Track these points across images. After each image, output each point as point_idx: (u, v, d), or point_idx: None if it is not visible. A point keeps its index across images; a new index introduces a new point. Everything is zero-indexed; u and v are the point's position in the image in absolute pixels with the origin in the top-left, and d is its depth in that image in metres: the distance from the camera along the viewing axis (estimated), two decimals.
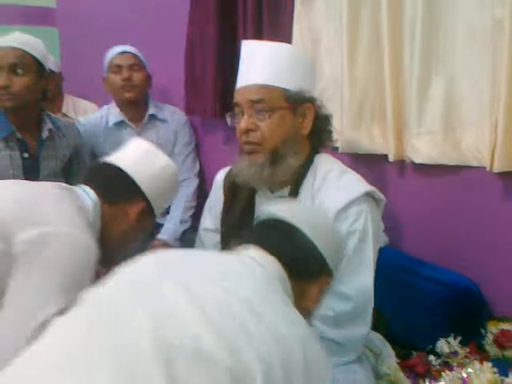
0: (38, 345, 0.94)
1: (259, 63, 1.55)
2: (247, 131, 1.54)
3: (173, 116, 2.83)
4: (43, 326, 1.16)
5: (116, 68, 2.67)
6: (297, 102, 1.55)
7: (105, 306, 0.98)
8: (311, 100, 1.58)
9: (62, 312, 1.17)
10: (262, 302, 0.98)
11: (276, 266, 1.11)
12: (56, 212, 1.35)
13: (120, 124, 2.73)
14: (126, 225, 1.51)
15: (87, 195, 1.46)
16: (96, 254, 1.35)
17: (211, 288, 0.98)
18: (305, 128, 1.58)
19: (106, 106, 2.81)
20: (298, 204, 1.36)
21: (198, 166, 2.88)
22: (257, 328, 0.92)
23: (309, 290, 1.17)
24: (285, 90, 1.54)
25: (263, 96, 1.52)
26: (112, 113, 2.75)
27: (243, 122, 1.54)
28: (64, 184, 1.50)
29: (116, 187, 1.49)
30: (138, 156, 1.54)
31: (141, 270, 1.07)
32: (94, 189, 1.47)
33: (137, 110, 2.74)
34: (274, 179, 1.57)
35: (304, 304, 1.15)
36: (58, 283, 1.27)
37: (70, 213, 1.37)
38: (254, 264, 1.09)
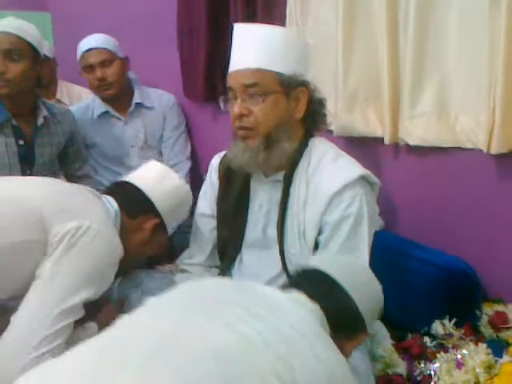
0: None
1: (252, 47, 1.54)
2: (241, 116, 1.53)
3: (160, 100, 2.77)
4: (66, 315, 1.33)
5: (87, 68, 2.58)
6: (290, 86, 1.54)
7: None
8: (305, 84, 1.57)
9: (85, 304, 1.36)
10: (313, 334, 1.05)
11: (319, 311, 1.14)
12: (89, 209, 1.47)
13: (105, 114, 2.69)
14: (141, 238, 1.61)
15: (110, 204, 1.55)
16: (121, 254, 1.47)
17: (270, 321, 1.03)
18: (298, 112, 1.57)
19: (92, 96, 2.75)
20: (343, 259, 1.38)
21: (189, 148, 2.85)
22: (310, 359, 0.99)
23: (344, 344, 1.19)
24: (278, 73, 1.53)
25: (256, 80, 1.52)
26: (96, 104, 2.70)
27: (236, 107, 1.53)
28: (90, 189, 1.60)
29: (133, 202, 1.60)
30: (152, 176, 1.66)
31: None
32: (115, 200, 1.57)
33: (121, 101, 2.68)
34: (268, 164, 1.57)
35: None
36: (85, 275, 1.37)
37: (100, 212, 1.48)
38: (305, 304, 1.13)
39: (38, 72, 2.12)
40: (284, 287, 1.22)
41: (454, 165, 1.87)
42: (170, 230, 1.76)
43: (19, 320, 1.32)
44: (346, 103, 2.05)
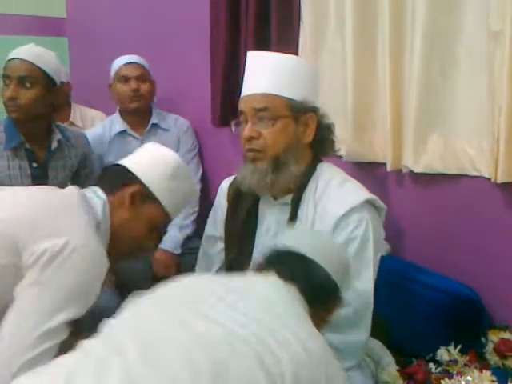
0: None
1: (264, 73, 1.58)
2: (250, 139, 1.57)
3: (175, 124, 2.87)
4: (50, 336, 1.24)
5: (123, 78, 2.72)
6: (300, 112, 1.58)
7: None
8: (314, 110, 1.60)
9: (69, 322, 1.27)
10: (293, 318, 1.08)
11: (295, 291, 1.17)
12: (69, 223, 1.37)
13: (123, 133, 2.78)
14: (125, 211, 1.50)
15: (96, 195, 1.49)
16: (107, 266, 1.38)
17: (247, 304, 1.07)
18: (307, 137, 1.61)
19: (109, 117, 2.87)
20: (311, 233, 1.41)
21: (200, 172, 2.92)
22: (289, 338, 1.00)
23: (323, 316, 1.24)
24: (288, 99, 1.57)
25: (267, 104, 1.56)
26: (115, 123, 2.79)
27: (247, 130, 1.57)
28: (72, 187, 1.53)
29: (111, 178, 1.55)
30: (139, 152, 1.62)
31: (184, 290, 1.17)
32: (101, 187, 1.52)
33: (140, 118, 2.79)
34: (276, 186, 1.60)
35: (317, 327, 1.19)
36: (65, 294, 1.29)
37: (82, 222, 1.39)
38: (282, 288, 1.16)
39: (53, 99, 2.16)
40: (258, 270, 1.26)
41: (459, 192, 1.89)
42: (173, 213, 1.59)
43: None
44: (354, 130, 2.10)
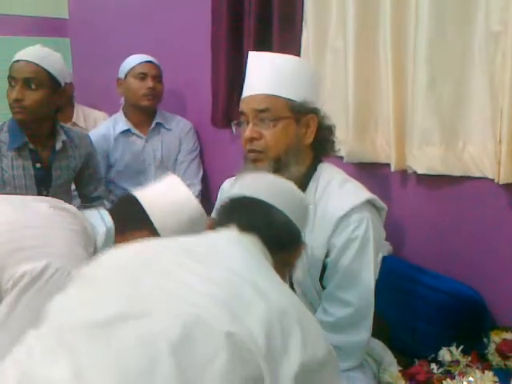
0: None
1: (265, 74, 1.58)
2: (252, 139, 1.57)
3: (178, 125, 2.92)
4: None
5: (141, 75, 2.75)
6: (301, 113, 1.58)
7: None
8: (315, 111, 1.60)
9: None
10: (255, 272, 1.04)
11: (257, 242, 1.15)
12: (53, 244, 1.30)
13: (126, 132, 2.81)
14: None
15: (102, 219, 1.45)
16: None
17: (209, 266, 1.02)
18: (308, 138, 1.61)
19: (112, 117, 2.89)
20: (265, 178, 1.33)
21: (201, 172, 2.96)
22: (254, 294, 0.97)
23: (287, 260, 1.23)
24: (289, 100, 1.57)
25: (268, 105, 1.56)
26: (118, 121, 2.82)
27: (248, 131, 1.57)
28: (61, 203, 1.46)
29: (125, 217, 1.46)
30: (161, 188, 1.51)
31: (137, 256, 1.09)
32: (111, 215, 1.46)
33: (146, 117, 2.83)
34: None
35: (282, 273, 1.17)
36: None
37: (64, 241, 1.31)
38: (242, 240, 1.13)
39: (58, 100, 2.16)
40: (218, 225, 1.21)
41: (463, 193, 1.89)
42: None
43: None
44: (356, 131, 2.10)
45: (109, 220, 1.45)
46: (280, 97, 1.56)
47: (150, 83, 2.74)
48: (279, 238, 1.19)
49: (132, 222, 1.45)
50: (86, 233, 1.39)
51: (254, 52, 1.70)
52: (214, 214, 1.70)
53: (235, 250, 1.10)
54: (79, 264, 1.21)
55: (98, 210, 1.50)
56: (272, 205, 1.21)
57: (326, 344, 0.99)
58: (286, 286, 1.09)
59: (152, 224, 1.43)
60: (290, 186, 1.31)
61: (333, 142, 1.66)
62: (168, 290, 0.98)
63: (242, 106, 1.61)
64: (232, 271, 1.02)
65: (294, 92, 1.57)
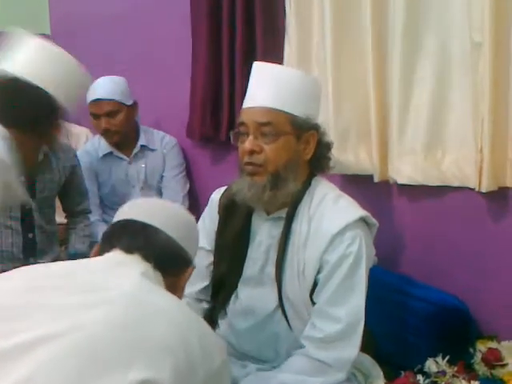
0: None
1: (269, 86, 1.56)
2: (251, 152, 1.54)
3: (161, 142, 2.87)
4: None
5: (93, 116, 2.67)
6: (302, 129, 1.56)
7: None
8: (316, 127, 1.59)
9: None
10: (154, 298, 1.07)
11: (144, 265, 1.16)
12: None
13: (110, 154, 2.79)
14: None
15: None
16: None
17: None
18: (306, 154, 1.59)
19: (96, 136, 2.85)
20: (148, 202, 1.35)
21: (187, 188, 2.90)
22: (159, 324, 1.00)
23: (177, 283, 1.24)
24: (292, 115, 1.55)
25: (270, 119, 1.53)
26: (101, 145, 2.79)
27: (248, 143, 1.54)
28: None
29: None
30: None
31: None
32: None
33: (125, 143, 2.79)
34: (273, 202, 1.58)
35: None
36: None
37: None
38: (131, 265, 1.14)
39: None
40: (102, 251, 1.22)
41: (445, 202, 1.89)
42: None
43: None
44: (337, 142, 2.08)
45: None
46: (283, 111, 1.54)
47: (102, 124, 2.64)
48: (162, 257, 1.19)
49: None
50: None
51: (259, 62, 1.68)
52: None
53: (122, 272, 1.11)
54: None
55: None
56: (150, 224, 1.22)
57: (220, 353, 1.07)
58: (187, 307, 1.14)
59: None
60: (173, 206, 1.34)
61: (329, 159, 1.66)
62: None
63: (243, 117, 1.58)
64: (134, 302, 1.03)
65: (297, 107, 1.55)
